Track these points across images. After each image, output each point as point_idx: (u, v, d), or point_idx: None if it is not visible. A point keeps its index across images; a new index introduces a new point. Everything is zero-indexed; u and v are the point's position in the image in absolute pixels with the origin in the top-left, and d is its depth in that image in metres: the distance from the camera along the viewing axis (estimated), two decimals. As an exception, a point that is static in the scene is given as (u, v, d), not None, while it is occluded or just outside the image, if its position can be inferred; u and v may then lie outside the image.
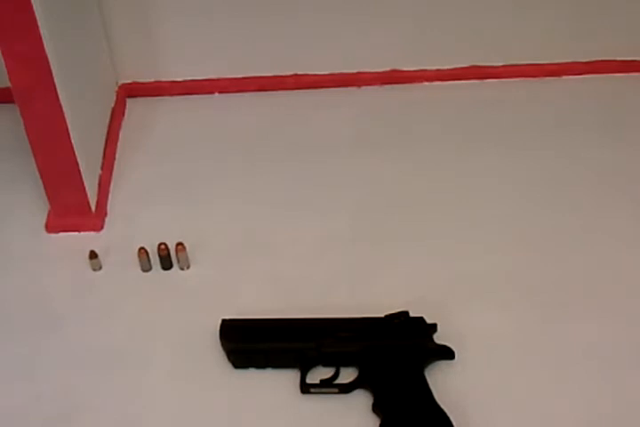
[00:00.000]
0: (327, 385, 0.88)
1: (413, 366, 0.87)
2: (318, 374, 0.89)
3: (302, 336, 0.89)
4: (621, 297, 0.96)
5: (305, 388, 0.88)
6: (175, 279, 1.00)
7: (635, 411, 0.86)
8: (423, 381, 0.86)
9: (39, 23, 0.89)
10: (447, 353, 0.89)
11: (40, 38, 0.90)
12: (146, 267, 1.01)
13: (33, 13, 0.88)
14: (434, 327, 0.90)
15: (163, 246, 1.00)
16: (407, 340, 0.89)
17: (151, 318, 0.92)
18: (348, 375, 0.89)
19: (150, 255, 1.01)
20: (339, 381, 0.88)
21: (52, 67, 0.93)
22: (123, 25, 1.18)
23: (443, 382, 0.88)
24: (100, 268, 1.02)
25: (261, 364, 0.89)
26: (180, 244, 1.00)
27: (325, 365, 0.89)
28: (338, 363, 0.89)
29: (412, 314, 0.91)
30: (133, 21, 1.18)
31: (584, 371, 0.90)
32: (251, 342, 0.89)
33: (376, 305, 0.92)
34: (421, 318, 0.90)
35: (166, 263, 1.01)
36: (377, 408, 0.85)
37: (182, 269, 1.02)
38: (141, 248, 1.00)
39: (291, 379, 0.89)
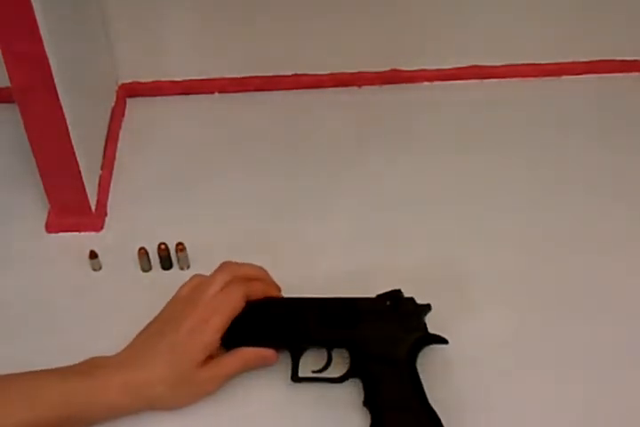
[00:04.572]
0: (319, 379, 0.88)
1: (406, 357, 0.86)
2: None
3: (292, 319, 0.89)
4: (622, 297, 0.96)
5: (296, 378, 0.87)
6: (175, 279, 1.00)
7: (635, 411, 0.86)
8: (415, 375, 0.85)
9: (39, 23, 0.89)
10: (440, 340, 0.88)
11: (40, 38, 0.90)
12: (146, 267, 1.01)
13: (33, 13, 0.88)
14: (427, 307, 0.89)
15: (163, 246, 1.00)
16: (400, 328, 0.87)
17: (151, 318, 0.91)
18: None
19: (150, 255, 1.01)
20: (332, 366, 0.88)
21: (51, 67, 0.93)
22: (123, 25, 1.18)
23: (441, 382, 0.88)
24: (100, 268, 1.02)
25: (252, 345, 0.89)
26: (180, 244, 1.00)
27: (316, 347, 0.89)
28: (329, 346, 0.88)
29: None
30: (133, 21, 1.18)
31: (584, 371, 0.90)
32: (238, 326, 0.88)
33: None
34: (411, 299, 0.89)
35: (166, 263, 1.01)
36: (367, 405, 0.85)
37: (182, 269, 1.02)
38: (141, 248, 1.00)
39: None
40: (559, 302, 0.96)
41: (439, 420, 0.83)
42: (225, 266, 0.91)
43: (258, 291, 0.90)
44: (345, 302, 0.90)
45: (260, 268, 0.93)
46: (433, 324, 0.90)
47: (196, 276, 0.92)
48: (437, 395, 0.85)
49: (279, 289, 0.93)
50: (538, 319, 0.94)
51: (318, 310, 0.89)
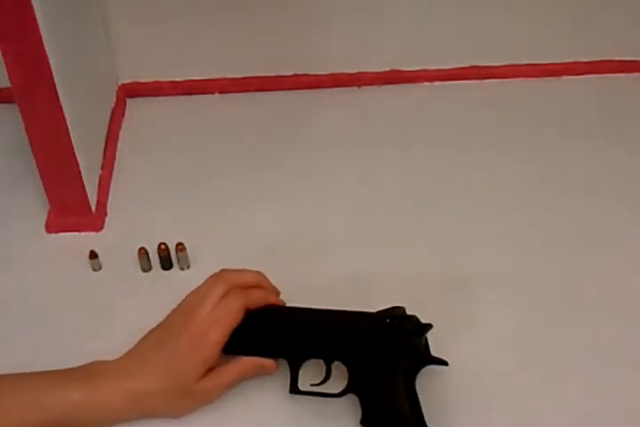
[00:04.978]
0: (317, 393, 0.87)
1: (404, 379, 0.84)
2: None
3: (290, 331, 0.88)
4: (622, 297, 0.96)
5: (294, 390, 0.87)
6: (175, 279, 1.00)
7: (635, 411, 0.86)
8: (414, 395, 0.84)
9: (39, 23, 0.89)
10: (440, 362, 0.86)
11: (40, 38, 0.90)
12: (146, 267, 1.01)
13: (33, 13, 0.88)
14: (428, 327, 0.87)
15: (163, 246, 1.00)
16: (399, 353, 0.85)
17: (151, 318, 0.91)
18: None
19: (150, 255, 1.01)
20: (332, 376, 0.87)
21: (51, 67, 0.93)
22: (123, 25, 1.18)
23: (441, 382, 0.88)
24: (100, 268, 1.02)
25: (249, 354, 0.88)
26: (179, 244, 1.00)
27: (315, 358, 0.88)
28: (327, 358, 0.87)
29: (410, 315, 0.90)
30: (133, 21, 1.18)
31: (584, 371, 0.90)
32: (237, 336, 0.87)
33: (376, 306, 0.92)
34: (414, 317, 0.87)
35: (166, 263, 1.01)
36: (364, 424, 0.84)
37: (182, 269, 1.02)
38: (141, 248, 1.00)
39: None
40: (559, 302, 0.96)
41: None
42: (223, 275, 0.89)
43: (257, 299, 0.89)
44: (346, 315, 0.88)
45: (258, 273, 0.91)
46: (433, 323, 0.90)
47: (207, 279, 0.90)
48: (437, 395, 0.86)
49: (278, 293, 0.92)
50: (538, 319, 0.94)
51: (318, 322, 0.88)
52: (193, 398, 0.86)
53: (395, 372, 0.85)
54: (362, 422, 0.84)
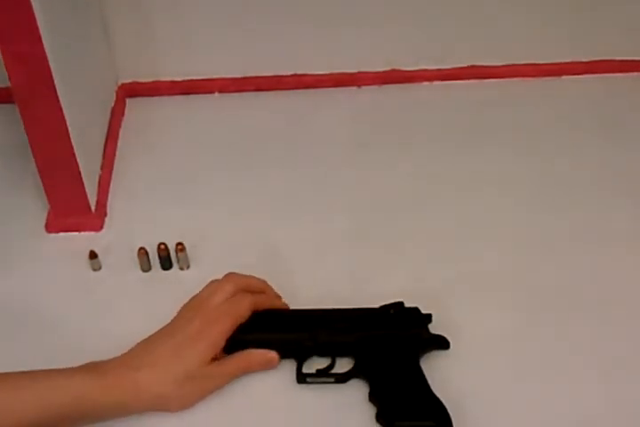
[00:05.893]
0: (323, 375, 0.88)
1: (409, 356, 0.87)
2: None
3: (297, 327, 0.90)
4: (622, 297, 0.96)
5: (301, 377, 0.88)
6: (175, 279, 1.00)
7: (635, 411, 0.86)
8: (418, 370, 0.86)
9: (39, 23, 0.89)
10: (442, 343, 0.89)
11: (40, 38, 0.90)
12: (146, 267, 1.01)
13: (33, 13, 0.88)
14: (429, 317, 0.90)
15: (163, 246, 1.00)
16: (403, 329, 0.89)
17: (151, 318, 0.92)
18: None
19: (150, 255, 1.01)
20: (335, 370, 0.89)
21: (51, 67, 0.93)
22: (123, 24, 1.18)
23: (441, 382, 0.88)
24: (100, 268, 1.02)
25: None
26: (179, 244, 1.00)
27: (321, 355, 0.89)
28: (333, 353, 0.89)
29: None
30: (133, 21, 1.18)
31: (584, 371, 0.90)
32: (245, 333, 0.89)
33: (376, 305, 0.92)
34: (416, 309, 0.91)
35: (166, 263, 1.01)
36: (373, 398, 0.86)
37: (182, 269, 1.02)
38: (141, 248, 1.00)
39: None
40: (559, 302, 0.96)
41: (444, 407, 0.84)
42: (231, 277, 0.92)
43: (264, 303, 0.92)
44: (350, 311, 0.91)
45: (264, 281, 0.94)
46: (433, 324, 0.90)
47: (212, 282, 0.93)
48: (437, 394, 0.85)
49: (280, 298, 0.94)
50: (538, 319, 0.94)
51: (324, 319, 0.90)
52: (199, 383, 0.87)
53: (400, 355, 0.87)
54: (370, 395, 0.86)
